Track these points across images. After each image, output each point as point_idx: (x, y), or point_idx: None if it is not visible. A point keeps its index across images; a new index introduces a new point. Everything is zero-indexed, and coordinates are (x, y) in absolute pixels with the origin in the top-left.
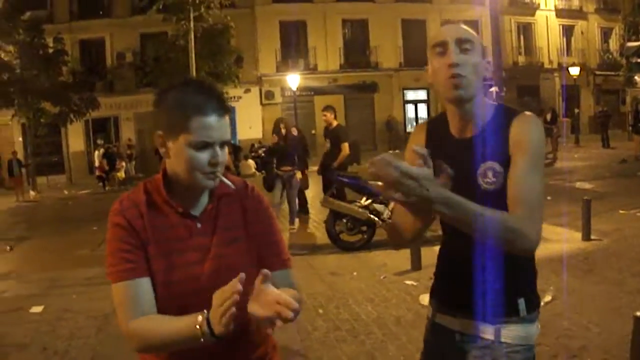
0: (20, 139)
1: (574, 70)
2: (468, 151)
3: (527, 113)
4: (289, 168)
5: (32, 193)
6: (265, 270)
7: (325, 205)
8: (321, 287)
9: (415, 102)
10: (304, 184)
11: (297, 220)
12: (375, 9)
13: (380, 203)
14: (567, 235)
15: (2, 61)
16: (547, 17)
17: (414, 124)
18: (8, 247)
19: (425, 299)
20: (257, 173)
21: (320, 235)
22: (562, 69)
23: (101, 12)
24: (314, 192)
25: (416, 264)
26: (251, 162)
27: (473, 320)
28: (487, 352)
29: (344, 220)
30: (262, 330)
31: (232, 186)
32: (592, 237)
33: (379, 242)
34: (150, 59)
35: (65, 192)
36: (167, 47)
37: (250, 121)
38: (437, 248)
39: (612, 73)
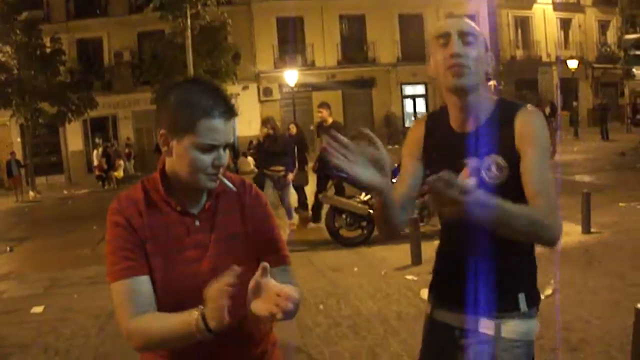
0: (19, 139)
1: (572, 64)
2: (469, 145)
3: (530, 106)
4: (279, 168)
5: (31, 193)
6: (264, 263)
7: (325, 201)
8: (322, 283)
9: (414, 97)
10: (304, 181)
11: (295, 215)
12: (372, 4)
13: None
14: (567, 229)
15: (0, 62)
16: (544, 10)
17: (413, 118)
18: (8, 248)
19: (426, 293)
20: (257, 170)
21: (320, 231)
22: (560, 62)
23: (98, 12)
24: (314, 188)
25: (416, 259)
26: (250, 159)
27: (473, 316)
28: (487, 348)
29: (344, 216)
30: (261, 326)
31: (234, 188)
32: (592, 230)
33: (379, 238)
34: (147, 57)
35: (65, 191)
36: (165, 45)
37: (249, 118)
38: (437, 243)
39: (610, 66)
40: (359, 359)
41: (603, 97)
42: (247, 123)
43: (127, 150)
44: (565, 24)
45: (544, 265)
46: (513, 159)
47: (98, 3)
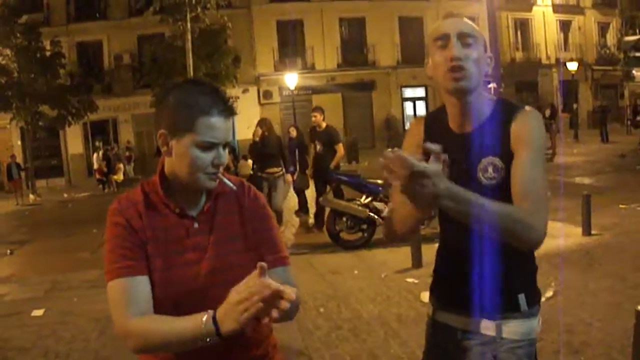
0: (19, 142)
1: (572, 66)
2: (467, 145)
3: (528, 108)
4: (274, 170)
5: (31, 196)
6: (262, 263)
7: (325, 204)
8: (322, 286)
9: (414, 100)
10: (305, 184)
11: (296, 219)
12: (372, 7)
13: (380, 201)
14: (568, 231)
15: (0, 65)
16: (544, 12)
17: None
18: (8, 251)
19: (426, 296)
20: (252, 172)
21: (321, 234)
22: (560, 64)
23: (98, 15)
24: (314, 193)
25: (417, 262)
26: (250, 162)
27: (474, 317)
28: (488, 348)
29: (344, 219)
30: (262, 328)
31: (234, 187)
32: (593, 232)
33: (379, 241)
34: (147, 60)
35: (65, 195)
36: (165, 48)
37: (249, 121)
38: (437, 245)
39: (610, 68)
40: None
41: (603, 99)
42: (247, 126)
43: (127, 154)
44: (565, 26)
45: (545, 267)
46: (509, 160)
47: (98, 6)
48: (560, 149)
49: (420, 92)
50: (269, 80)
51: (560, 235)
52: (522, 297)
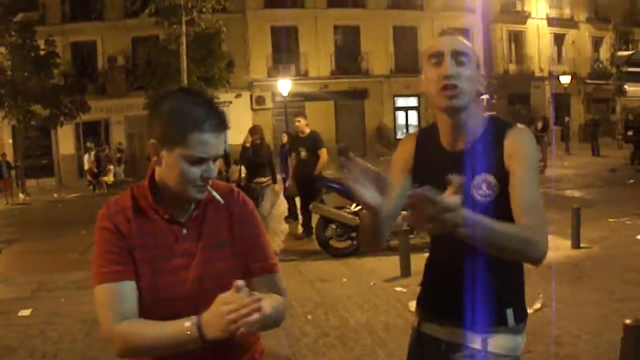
0: (10, 141)
1: (565, 79)
2: (460, 164)
3: (520, 126)
4: (263, 180)
5: (21, 195)
6: (237, 282)
7: (314, 211)
8: (310, 293)
9: (406, 109)
10: (296, 191)
11: (286, 226)
12: (366, 15)
13: None
14: (557, 243)
15: None
16: (538, 25)
17: (405, 130)
18: None
19: (414, 305)
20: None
21: (310, 242)
22: (553, 77)
23: (93, 15)
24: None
25: (405, 271)
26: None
27: (460, 329)
28: None
29: (334, 227)
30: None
31: (221, 200)
32: (582, 244)
33: (368, 249)
34: (141, 62)
35: (55, 195)
36: (159, 51)
37: (241, 126)
38: (426, 255)
39: (603, 82)
40: None
41: (595, 113)
42: (239, 132)
43: (117, 155)
44: (558, 40)
45: (534, 279)
46: (503, 177)
47: (93, 7)
48: (551, 162)
49: (412, 101)
50: (262, 85)
51: (550, 248)
52: (510, 312)
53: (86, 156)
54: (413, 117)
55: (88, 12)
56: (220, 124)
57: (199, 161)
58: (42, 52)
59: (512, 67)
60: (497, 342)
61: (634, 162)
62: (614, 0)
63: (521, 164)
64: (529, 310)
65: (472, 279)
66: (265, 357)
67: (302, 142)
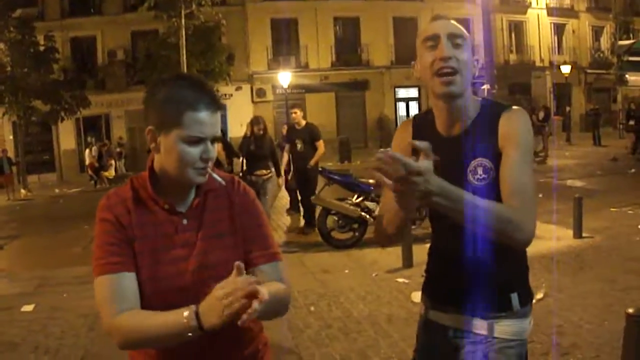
0: (11, 137)
1: (565, 69)
2: (456, 149)
3: (515, 107)
4: (264, 172)
5: (22, 191)
6: (238, 263)
7: (316, 202)
8: (313, 285)
9: (407, 100)
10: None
11: (288, 218)
12: (366, 6)
13: (372, 200)
14: (559, 233)
15: None
16: (538, 15)
17: None
18: None
19: (417, 296)
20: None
21: (312, 233)
22: (554, 67)
23: (92, 10)
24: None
25: (408, 262)
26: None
27: (465, 316)
28: (480, 348)
29: (336, 218)
30: (252, 326)
31: (223, 182)
32: (584, 234)
33: (370, 240)
34: (141, 56)
35: (56, 190)
36: (159, 44)
37: (242, 119)
38: (428, 245)
39: (604, 71)
40: None
41: (596, 103)
42: (240, 124)
43: (118, 150)
44: (559, 29)
45: (536, 269)
46: (498, 159)
47: (92, 1)
48: (552, 152)
49: (413, 92)
50: (262, 78)
51: (552, 238)
52: (514, 296)
53: (87, 151)
54: (414, 108)
55: (87, 7)
56: (214, 102)
57: (197, 141)
58: (41, 48)
59: (513, 57)
60: (503, 327)
61: (635, 151)
62: None
63: (514, 146)
64: None
65: (474, 264)
66: (269, 348)
67: (298, 134)
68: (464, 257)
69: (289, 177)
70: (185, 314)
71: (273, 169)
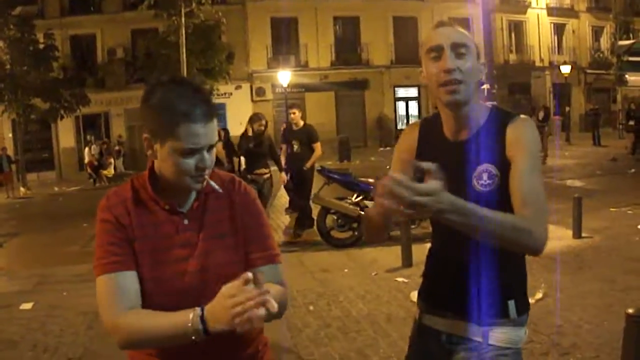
0: (10, 135)
1: (565, 69)
2: (462, 154)
3: (523, 116)
4: (264, 171)
5: (22, 189)
6: (246, 274)
7: (316, 202)
8: (312, 284)
9: (406, 100)
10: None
11: (287, 217)
12: (366, 6)
13: (371, 200)
14: (558, 233)
15: None
16: (538, 15)
17: (405, 121)
18: None
19: (416, 296)
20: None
21: (311, 232)
22: (553, 67)
23: (92, 8)
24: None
25: (407, 261)
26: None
27: (461, 322)
28: (474, 355)
29: (335, 217)
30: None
31: (220, 190)
32: (583, 234)
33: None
34: (141, 55)
35: (56, 188)
36: (158, 43)
37: (241, 118)
38: (428, 245)
39: (603, 71)
40: None
41: (595, 103)
42: (240, 122)
43: (117, 148)
44: (559, 29)
45: (535, 269)
46: (504, 167)
47: (92, 0)
48: (552, 152)
49: (413, 92)
50: (262, 77)
51: (551, 238)
52: (512, 304)
53: (86, 149)
54: (413, 107)
55: (87, 5)
56: (208, 113)
57: (191, 152)
58: (41, 46)
59: (513, 57)
60: (499, 335)
61: (635, 151)
62: None
63: (522, 154)
64: (531, 301)
65: (473, 270)
66: (269, 348)
67: (295, 134)
68: (463, 261)
69: (288, 177)
70: (190, 316)
71: (271, 168)
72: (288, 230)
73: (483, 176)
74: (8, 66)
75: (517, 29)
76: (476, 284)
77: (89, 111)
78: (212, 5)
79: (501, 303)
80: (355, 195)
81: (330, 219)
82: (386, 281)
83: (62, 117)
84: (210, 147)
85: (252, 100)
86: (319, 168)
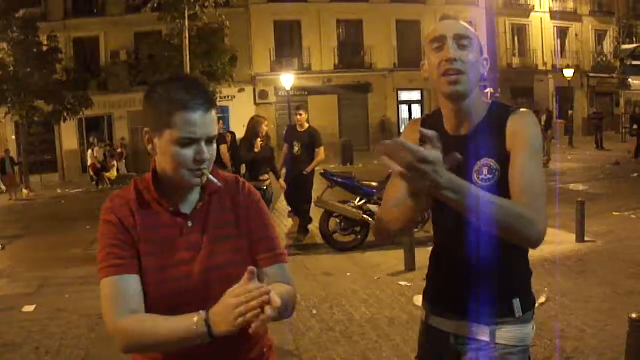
0: (14, 137)
1: (568, 73)
2: (463, 148)
3: (523, 109)
4: (267, 177)
5: (25, 191)
6: (251, 268)
7: (319, 205)
8: (315, 288)
9: (409, 103)
10: None
11: (290, 221)
12: (369, 9)
13: (374, 203)
14: (561, 237)
15: None
16: (541, 19)
17: None
18: (0, 246)
19: (419, 299)
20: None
21: (314, 236)
22: (557, 70)
23: (95, 11)
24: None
25: (410, 265)
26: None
27: (467, 322)
28: (482, 354)
29: (338, 221)
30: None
31: (218, 183)
32: (586, 238)
33: (372, 243)
34: (144, 57)
35: (58, 190)
36: (162, 46)
37: (244, 121)
38: (431, 249)
39: (606, 75)
40: None
41: (598, 107)
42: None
43: (119, 150)
44: (562, 33)
45: (539, 273)
46: (505, 161)
47: (95, 2)
48: (555, 155)
49: (416, 95)
50: (265, 80)
51: (554, 242)
52: (516, 302)
53: (89, 152)
54: (417, 110)
55: (90, 7)
56: (205, 102)
57: (189, 143)
58: (44, 48)
59: (516, 61)
60: (505, 334)
61: (638, 155)
62: None
63: (523, 146)
64: None
65: (477, 269)
66: (274, 351)
67: (298, 136)
68: (466, 261)
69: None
70: (195, 319)
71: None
72: (291, 235)
73: (483, 170)
74: (11, 68)
75: (520, 32)
76: (480, 283)
77: (92, 113)
78: (215, 8)
79: (505, 301)
80: (358, 199)
81: (333, 223)
82: (389, 285)
83: (65, 120)
84: (209, 140)
85: (255, 104)
86: (322, 171)
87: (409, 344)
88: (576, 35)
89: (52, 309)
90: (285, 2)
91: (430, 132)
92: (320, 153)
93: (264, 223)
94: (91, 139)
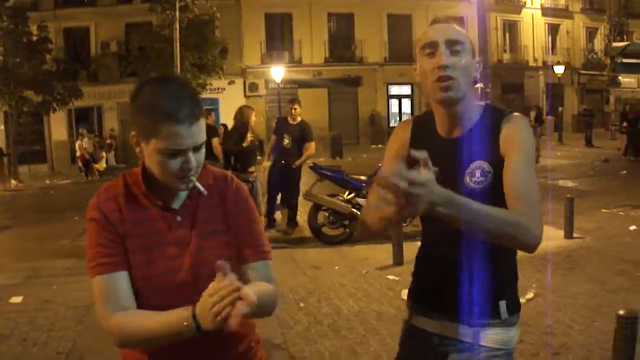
0: (2, 127)
1: (559, 69)
2: (455, 151)
3: (516, 114)
4: (253, 169)
5: (13, 182)
6: (220, 262)
7: (307, 198)
8: (303, 281)
9: (399, 97)
10: None
11: (278, 212)
12: (361, 3)
13: (363, 197)
14: (550, 233)
15: None
16: (532, 15)
17: (398, 118)
18: None
19: (406, 293)
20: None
21: (303, 229)
22: (547, 67)
23: (86, 1)
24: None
25: (398, 259)
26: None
27: (452, 323)
28: (465, 356)
29: (326, 214)
30: (244, 324)
31: (205, 192)
32: (575, 235)
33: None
34: (134, 48)
35: (47, 181)
36: (152, 37)
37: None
38: (419, 243)
39: (597, 72)
40: (338, 358)
41: (588, 104)
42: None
43: (108, 141)
44: (553, 30)
45: (526, 269)
46: (498, 164)
47: None
48: (544, 152)
49: (406, 89)
50: (255, 72)
51: (543, 238)
52: (502, 304)
53: (78, 142)
54: (407, 105)
55: None
56: (193, 113)
57: (175, 153)
58: (34, 38)
59: (507, 57)
60: (490, 336)
61: (627, 153)
62: None
63: (516, 151)
64: (521, 300)
65: (464, 271)
66: (261, 345)
67: (289, 128)
68: (453, 262)
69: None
70: (185, 315)
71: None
72: (279, 228)
73: (476, 173)
74: (1, 58)
75: (511, 28)
76: (467, 284)
77: (81, 104)
78: (206, 0)
79: (492, 304)
80: (347, 193)
81: (321, 216)
82: (377, 279)
83: (54, 110)
84: (196, 148)
85: (245, 96)
86: (311, 165)
87: (396, 338)
88: (567, 32)
89: (40, 300)
90: None
91: (421, 153)
92: (311, 147)
93: (250, 219)
94: (80, 130)
